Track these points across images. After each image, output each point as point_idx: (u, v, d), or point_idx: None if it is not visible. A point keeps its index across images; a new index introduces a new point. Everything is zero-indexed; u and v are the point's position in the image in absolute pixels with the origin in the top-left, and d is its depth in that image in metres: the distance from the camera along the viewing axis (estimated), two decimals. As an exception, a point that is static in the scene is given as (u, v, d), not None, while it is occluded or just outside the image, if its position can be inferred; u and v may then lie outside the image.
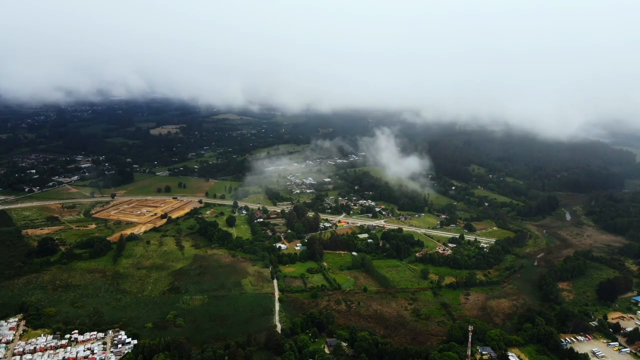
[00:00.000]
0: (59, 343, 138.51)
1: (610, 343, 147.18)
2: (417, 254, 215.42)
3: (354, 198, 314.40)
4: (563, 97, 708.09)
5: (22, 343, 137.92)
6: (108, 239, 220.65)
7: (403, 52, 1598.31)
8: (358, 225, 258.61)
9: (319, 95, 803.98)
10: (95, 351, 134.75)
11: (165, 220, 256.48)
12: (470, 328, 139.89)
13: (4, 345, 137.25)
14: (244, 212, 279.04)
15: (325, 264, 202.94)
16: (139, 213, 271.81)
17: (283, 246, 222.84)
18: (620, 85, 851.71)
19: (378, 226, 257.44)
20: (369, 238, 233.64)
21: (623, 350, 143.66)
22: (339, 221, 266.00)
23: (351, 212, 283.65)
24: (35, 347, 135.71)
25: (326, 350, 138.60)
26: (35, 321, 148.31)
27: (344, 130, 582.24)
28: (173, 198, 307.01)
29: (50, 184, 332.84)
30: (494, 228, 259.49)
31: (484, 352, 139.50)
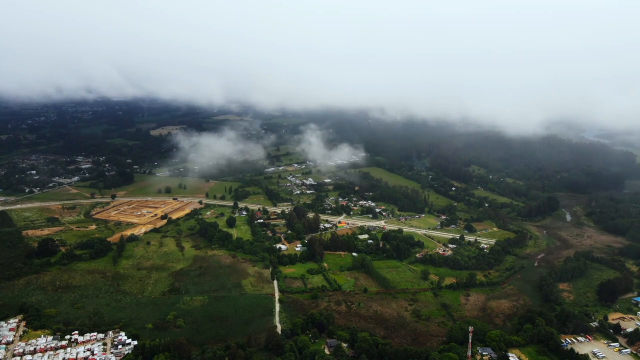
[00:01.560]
0: (59, 344, 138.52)
1: (611, 344, 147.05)
2: (417, 255, 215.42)
3: (354, 199, 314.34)
4: (525, 98, 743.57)
5: (22, 344, 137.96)
6: (108, 239, 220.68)
7: (374, 53, 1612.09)
8: (358, 226, 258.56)
9: (300, 95, 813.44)
10: (95, 352, 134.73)
11: (165, 221, 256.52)
12: (470, 329, 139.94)
13: (4, 346, 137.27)
14: (244, 212, 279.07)
15: (325, 264, 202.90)
16: (139, 214, 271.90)
17: (283, 247, 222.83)
18: (576, 87, 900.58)
19: (378, 227, 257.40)
20: (369, 239, 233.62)
21: (623, 351, 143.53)
22: (339, 222, 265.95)
23: (351, 213, 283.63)
24: (35, 348, 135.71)
25: (326, 351, 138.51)
26: (36, 322, 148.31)
27: (344, 131, 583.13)
28: (173, 199, 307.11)
29: (51, 184, 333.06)
30: (494, 229, 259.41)
31: (484, 353, 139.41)
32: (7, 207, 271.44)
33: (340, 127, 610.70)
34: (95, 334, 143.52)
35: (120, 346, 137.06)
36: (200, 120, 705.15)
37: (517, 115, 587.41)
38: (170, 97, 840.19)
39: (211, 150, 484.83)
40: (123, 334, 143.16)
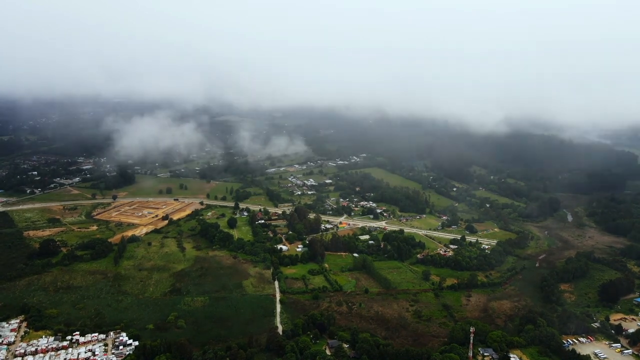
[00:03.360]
0: (60, 344, 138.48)
1: (613, 345, 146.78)
2: (418, 256, 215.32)
3: (355, 199, 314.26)
4: (486, 95, 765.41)
5: (24, 344, 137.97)
6: (109, 240, 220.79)
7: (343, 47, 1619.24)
8: (359, 226, 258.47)
9: (276, 93, 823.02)
10: (96, 352, 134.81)
11: (166, 221, 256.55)
12: (471, 329, 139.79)
13: (5, 346, 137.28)
14: (245, 213, 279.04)
15: (326, 265, 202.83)
16: (140, 214, 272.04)
17: (284, 247, 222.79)
18: (533, 85, 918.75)
19: (379, 227, 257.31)
20: (370, 239, 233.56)
21: (625, 352, 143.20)
22: (340, 222, 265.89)
23: (352, 214, 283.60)
24: (36, 349, 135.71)
25: (327, 352, 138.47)
26: (37, 322, 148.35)
27: (344, 132, 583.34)
28: (174, 199, 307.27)
29: (52, 185, 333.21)
30: (496, 229, 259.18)
31: (485, 354, 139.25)
32: (9, 208, 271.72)
33: (344, 128, 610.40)
34: (96, 334, 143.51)
35: (121, 347, 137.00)
36: (200, 120, 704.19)
37: (480, 112, 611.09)
38: (158, 96, 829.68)
39: (212, 151, 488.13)
40: (124, 334, 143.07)
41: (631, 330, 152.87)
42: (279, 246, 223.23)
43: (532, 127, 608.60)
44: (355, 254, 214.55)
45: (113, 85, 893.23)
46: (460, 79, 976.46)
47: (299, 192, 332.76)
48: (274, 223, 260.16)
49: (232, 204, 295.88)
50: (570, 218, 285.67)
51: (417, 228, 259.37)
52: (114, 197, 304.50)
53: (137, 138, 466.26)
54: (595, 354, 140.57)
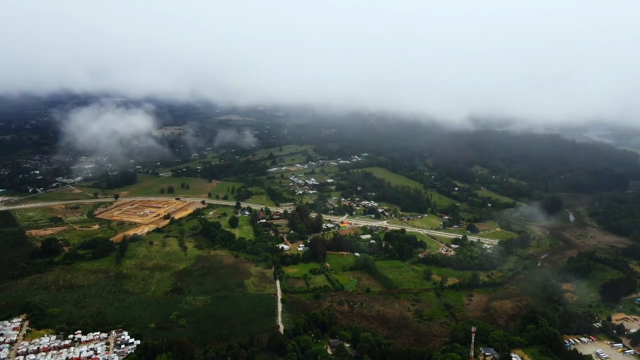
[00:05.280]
0: (62, 343, 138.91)
1: (614, 344, 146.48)
2: (419, 255, 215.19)
3: (357, 199, 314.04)
4: (450, 95, 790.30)
5: (26, 343, 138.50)
6: (111, 239, 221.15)
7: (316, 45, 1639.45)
8: (361, 226, 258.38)
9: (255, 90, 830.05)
10: (98, 351, 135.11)
11: (168, 221, 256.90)
12: (473, 329, 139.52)
13: (7, 345, 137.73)
14: (247, 212, 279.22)
15: (327, 264, 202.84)
16: (142, 214, 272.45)
17: (286, 247, 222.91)
18: (494, 87, 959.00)
19: (381, 227, 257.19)
20: (371, 239, 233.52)
21: (627, 351, 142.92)
22: (342, 222, 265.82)
23: (354, 213, 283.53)
24: (38, 347, 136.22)
25: (329, 351, 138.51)
26: (39, 321, 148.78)
27: (346, 131, 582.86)
28: (176, 199, 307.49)
29: (54, 184, 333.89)
30: (497, 229, 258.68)
31: (487, 354, 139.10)
32: (11, 207, 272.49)
33: (345, 128, 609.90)
34: (98, 333, 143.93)
35: (123, 346, 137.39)
36: (203, 120, 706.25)
37: (447, 110, 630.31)
38: (157, 96, 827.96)
39: (214, 150, 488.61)
40: (126, 333, 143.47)
41: (633, 330, 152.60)
42: (281, 245, 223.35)
43: (497, 125, 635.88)
44: (357, 254, 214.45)
45: (114, 86, 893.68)
46: (431, 79, 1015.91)
47: (301, 192, 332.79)
48: (275, 222, 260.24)
49: (233, 204, 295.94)
50: (572, 218, 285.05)
51: (419, 227, 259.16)
52: (116, 197, 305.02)
53: (136, 138, 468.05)
54: (597, 354, 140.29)
